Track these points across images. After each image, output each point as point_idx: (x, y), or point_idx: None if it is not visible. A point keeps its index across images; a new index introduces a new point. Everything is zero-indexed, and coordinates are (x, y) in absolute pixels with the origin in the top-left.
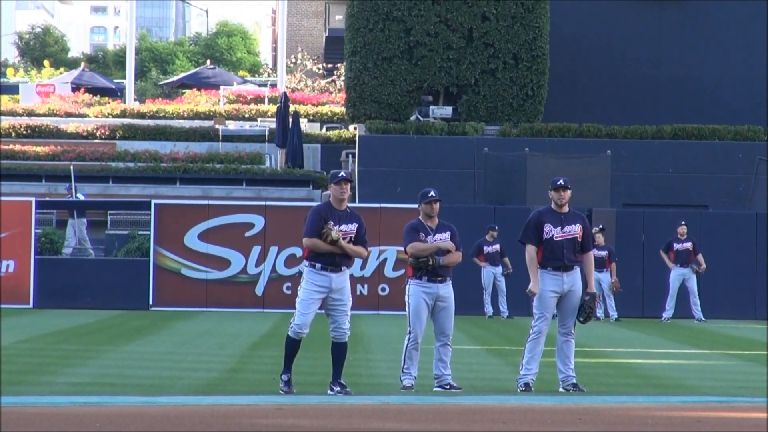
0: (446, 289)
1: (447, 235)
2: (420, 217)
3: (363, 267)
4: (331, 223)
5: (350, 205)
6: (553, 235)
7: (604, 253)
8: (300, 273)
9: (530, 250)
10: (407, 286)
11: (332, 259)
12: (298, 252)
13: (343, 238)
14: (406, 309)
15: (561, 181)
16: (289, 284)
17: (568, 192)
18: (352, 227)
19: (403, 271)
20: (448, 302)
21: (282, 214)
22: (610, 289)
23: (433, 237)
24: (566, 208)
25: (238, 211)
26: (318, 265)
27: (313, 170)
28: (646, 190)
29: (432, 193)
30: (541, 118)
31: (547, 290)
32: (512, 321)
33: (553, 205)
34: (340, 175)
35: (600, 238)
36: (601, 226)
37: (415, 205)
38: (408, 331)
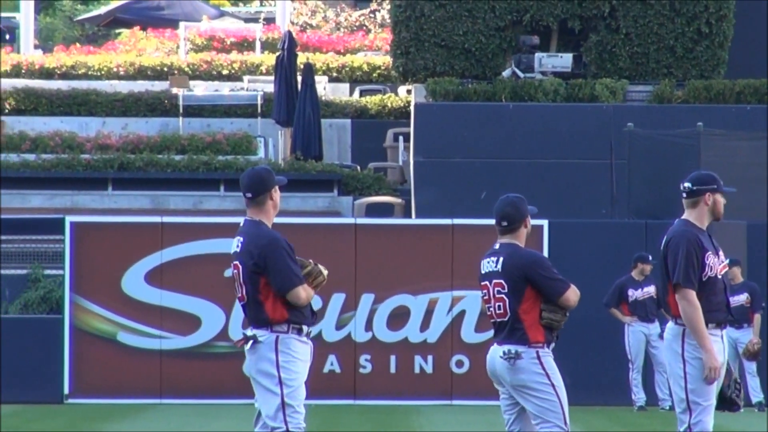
0: None
1: None
2: (514, 242)
3: (424, 327)
4: (310, 261)
5: (402, 221)
6: (717, 271)
7: None
8: (254, 343)
9: (694, 298)
10: (539, 361)
11: (314, 317)
12: (318, 303)
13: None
14: (552, 397)
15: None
16: None
17: None
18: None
19: (489, 333)
20: None
21: (289, 239)
22: None
23: None
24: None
25: (214, 233)
26: (304, 329)
27: (339, 163)
28: None
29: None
30: (724, 70)
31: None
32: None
33: (699, 219)
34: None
35: None
36: None
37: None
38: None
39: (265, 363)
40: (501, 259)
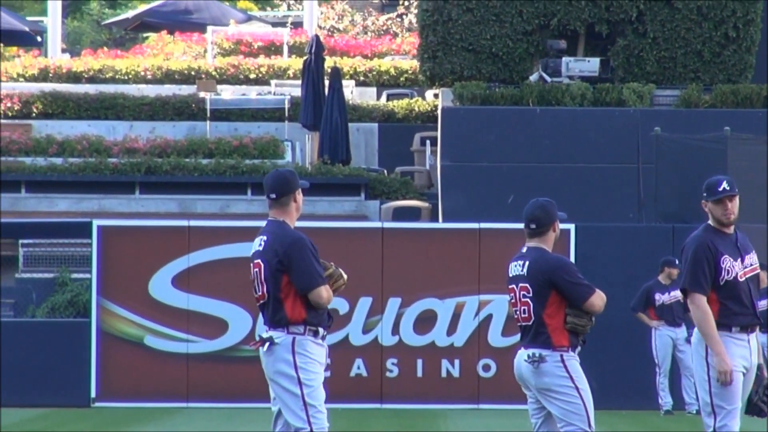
0: None
1: None
2: (540, 246)
3: (451, 331)
4: (332, 264)
5: (429, 225)
6: (736, 273)
7: None
8: (270, 345)
9: (702, 303)
10: (563, 365)
11: (330, 319)
12: (344, 307)
13: None
14: (576, 400)
15: (725, 185)
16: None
17: (737, 201)
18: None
19: (516, 337)
20: None
21: (316, 243)
22: None
23: None
24: (732, 227)
25: (241, 237)
26: (320, 331)
27: (366, 167)
28: None
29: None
30: (752, 75)
31: (732, 366)
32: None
33: (714, 223)
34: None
35: None
36: None
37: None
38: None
39: (282, 364)
40: (527, 263)
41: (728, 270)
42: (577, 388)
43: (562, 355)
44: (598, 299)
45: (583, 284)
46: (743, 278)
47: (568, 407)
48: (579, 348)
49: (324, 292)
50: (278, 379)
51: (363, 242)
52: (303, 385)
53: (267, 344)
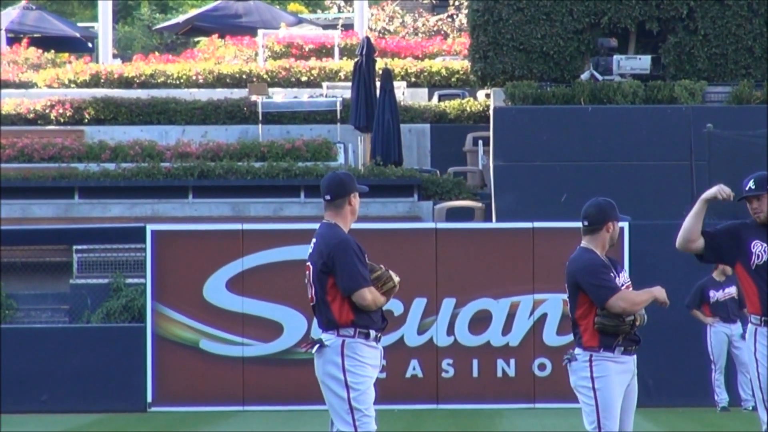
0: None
1: (626, 272)
2: (589, 246)
3: (506, 331)
4: (381, 266)
5: (483, 225)
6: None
7: None
8: (320, 347)
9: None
10: (589, 365)
11: (384, 321)
12: (399, 308)
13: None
14: (590, 400)
15: (751, 184)
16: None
17: (765, 200)
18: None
19: (571, 336)
20: (634, 383)
21: (370, 245)
22: None
23: (617, 277)
24: None
25: (295, 240)
26: (372, 334)
27: (419, 168)
28: None
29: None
30: None
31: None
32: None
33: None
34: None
35: None
36: None
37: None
38: None
39: (331, 366)
40: (568, 263)
41: (759, 255)
42: (593, 389)
43: (591, 355)
44: (620, 301)
45: (603, 287)
46: None
47: (584, 407)
48: (620, 348)
49: (367, 294)
50: (326, 381)
51: (417, 243)
52: (350, 389)
53: (317, 346)
